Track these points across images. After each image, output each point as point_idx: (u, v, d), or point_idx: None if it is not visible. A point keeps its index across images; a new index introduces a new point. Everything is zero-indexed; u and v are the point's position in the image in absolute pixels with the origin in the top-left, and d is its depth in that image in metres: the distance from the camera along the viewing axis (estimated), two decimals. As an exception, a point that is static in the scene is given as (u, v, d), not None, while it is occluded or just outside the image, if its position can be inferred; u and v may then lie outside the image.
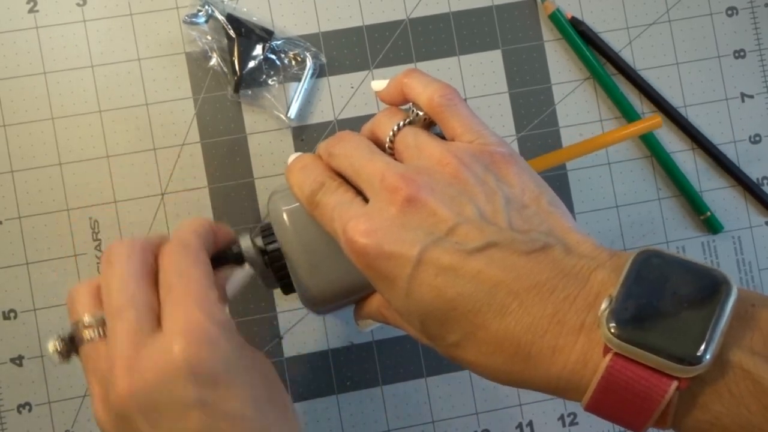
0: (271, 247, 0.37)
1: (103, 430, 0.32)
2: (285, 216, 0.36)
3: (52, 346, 0.32)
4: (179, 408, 0.29)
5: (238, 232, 0.35)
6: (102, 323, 0.32)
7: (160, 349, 0.29)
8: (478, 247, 0.28)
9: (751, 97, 0.50)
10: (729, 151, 0.49)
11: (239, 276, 0.34)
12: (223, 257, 0.35)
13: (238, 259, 0.36)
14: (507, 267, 0.28)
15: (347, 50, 0.48)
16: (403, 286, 0.29)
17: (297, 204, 0.36)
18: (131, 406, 0.29)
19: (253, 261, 0.37)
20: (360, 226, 0.30)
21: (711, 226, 0.49)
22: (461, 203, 0.30)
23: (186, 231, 0.34)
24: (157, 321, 0.31)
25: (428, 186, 0.30)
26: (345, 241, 0.30)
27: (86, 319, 0.32)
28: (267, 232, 0.37)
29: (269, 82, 0.47)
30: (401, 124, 0.33)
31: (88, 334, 0.32)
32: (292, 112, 0.47)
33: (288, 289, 0.37)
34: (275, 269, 0.37)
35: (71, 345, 0.32)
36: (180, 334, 0.29)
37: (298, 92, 0.47)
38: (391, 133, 0.33)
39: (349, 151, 0.33)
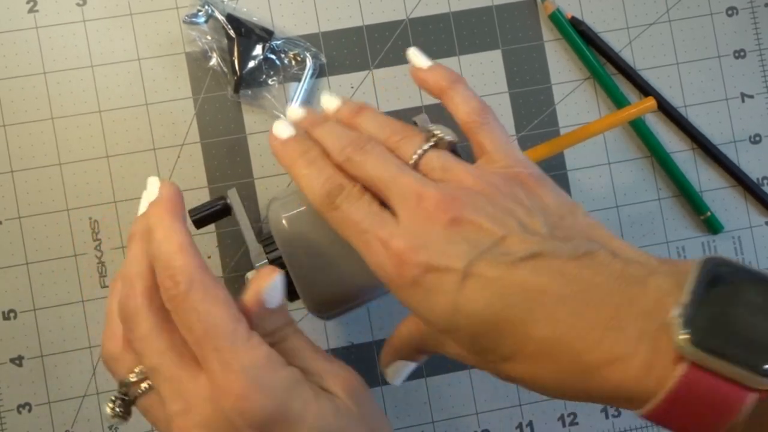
0: (272, 255, 0.37)
1: None
2: (285, 223, 0.36)
3: (111, 410, 0.32)
4: None
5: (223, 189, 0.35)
6: (146, 376, 0.31)
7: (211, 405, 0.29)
8: (523, 256, 0.28)
9: (751, 97, 0.50)
10: (729, 151, 0.49)
11: (272, 278, 0.29)
12: (208, 216, 0.32)
13: (226, 211, 0.33)
14: (554, 274, 0.27)
15: (347, 50, 0.48)
16: (450, 300, 0.28)
17: (296, 211, 0.36)
18: None
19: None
20: (404, 243, 0.29)
21: (711, 226, 0.49)
22: (503, 218, 0.29)
23: (168, 248, 0.30)
24: (193, 361, 0.29)
25: (470, 204, 0.30)
26: (388, 256, 0.30)
27: (131, 378, 0.32)
28: (267, 241, 0.37)
29: (269, 82, 0.47)
30: (426, 147, 0.33)
31: (137, 390, 0.32)
32: (292, 112, 0.47)
33: (292, 296, 0.37)
34: None
35: (126, 402, 0.32)
36: (223, 395, 0.28)
37: (298, 92, 0.47)
38: (416, 156, 0.33)
39: (373, 161, 0.32)
